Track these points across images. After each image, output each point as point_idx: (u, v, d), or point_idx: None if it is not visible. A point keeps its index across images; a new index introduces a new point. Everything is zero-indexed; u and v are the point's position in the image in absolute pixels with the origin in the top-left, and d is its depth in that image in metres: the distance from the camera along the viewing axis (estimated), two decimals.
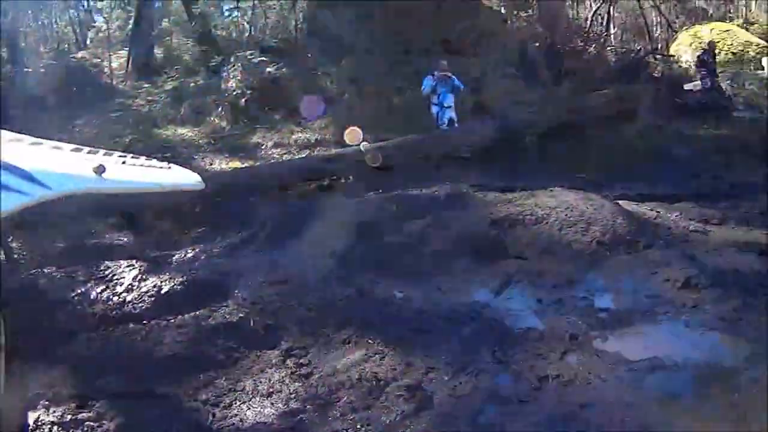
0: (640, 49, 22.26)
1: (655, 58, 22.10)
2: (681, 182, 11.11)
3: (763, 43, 25.11)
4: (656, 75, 18.98)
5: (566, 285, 6.88)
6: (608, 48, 23.10)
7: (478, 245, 7.83)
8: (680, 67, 22.30)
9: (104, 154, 3.07)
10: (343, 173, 10.82)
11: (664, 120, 14.21)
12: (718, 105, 16.82)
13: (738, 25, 27.90)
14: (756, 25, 29.26)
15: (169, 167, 3.14)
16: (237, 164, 12.59)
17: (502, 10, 22.90)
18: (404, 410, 4.84)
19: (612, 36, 26.87)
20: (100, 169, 2.71)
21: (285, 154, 13.48)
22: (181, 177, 3.22)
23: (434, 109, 12.83)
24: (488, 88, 15.35)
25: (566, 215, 8.13)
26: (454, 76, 12.66)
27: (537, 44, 18.41)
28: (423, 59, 15.56)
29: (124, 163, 3.05)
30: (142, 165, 3.13)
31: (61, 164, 2.91)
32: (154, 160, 3.15)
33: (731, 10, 32.80)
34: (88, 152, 3.06)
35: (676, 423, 4.48)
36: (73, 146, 3.08)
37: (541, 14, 20.90)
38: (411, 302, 6.57)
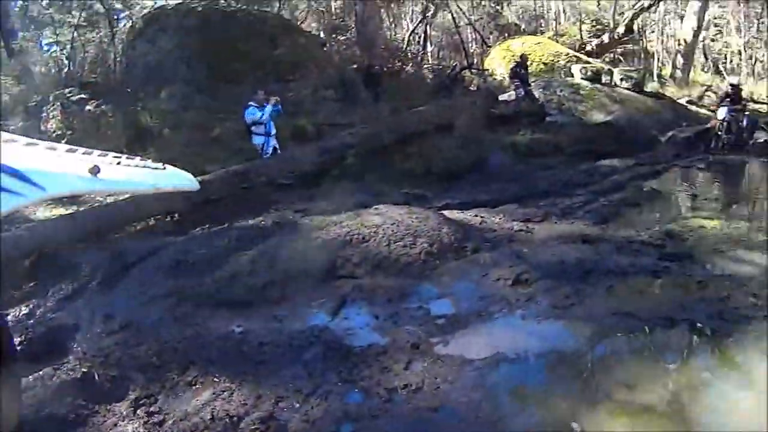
0: (456, 65, 22.91)
1: (471, 73, 22.91)
2: (502, 187, 11.52)
3: (572, 52, 26.73)
4: (472, 88, 19.60)
5: (401, 298, 6.85)
6: (425, 66, 23.70)
7: (309, 270, 7.65)
8: (495, 79, 23.27)
9: (99, 155, 2.89)
10: (169, 211, 10.42)
11: (481, 130, 14.63)
12: (532, 112, 17.62)
13: (548, 38, 29.51)
14: (565, 36, 31.05)
15: (164, 168, 2.99)
16: (61, 211, 11.93)
17: (321, 34, 23.08)
18: None
19: (429, 54, 27.62)
20: (95, 170, 2.54)
21: (109, 195, 12.81)
22: (176, 178, 3.08)
23: (258, 140, 12.49)
24: (308, 113, 15.27)
25: (393, 231, 8.10)
26: (268, 104, 12.43)
27: (355, 66, 18.60)
28: (243, 87, 15.39)
29: (119, 163, 2.87)
30: (136, 165, 2.96)
31: (55, 165, 2.82)
32: (149, 161, 3.00)
33: (542, 24, 34.57)
34: (83, 153, 2.87)
35: (529, 411, 4.60)
36: (67, 147, 2.88)
37: (358, 37, 21.15)
38: (250, 335, 6.31)
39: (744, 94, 22.42)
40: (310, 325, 6.41)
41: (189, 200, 10.27)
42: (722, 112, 16.98)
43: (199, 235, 9.51)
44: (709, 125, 17.48)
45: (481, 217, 9.37)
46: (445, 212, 9.46)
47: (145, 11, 20.25)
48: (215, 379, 5.56)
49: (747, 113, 17.83)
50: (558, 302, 6.30)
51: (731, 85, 18.13)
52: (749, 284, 6.75)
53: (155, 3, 22.17)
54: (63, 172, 2.73)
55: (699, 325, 5.77)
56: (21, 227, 10.43)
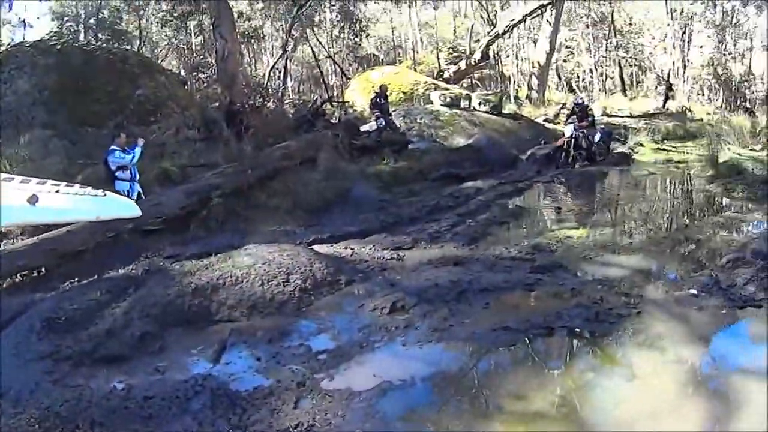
0: (317, 99, 23.10)
1: (332, 105, 23.15)
2: (369, 217, 11.71)
3: (430, 80, 27.44)
4: (333, 121, 19.82)
5: (280, 337, 6.90)
6: (287, 101, 23.79)
7: (184, 317, 7.56)
8: (355, 110, 23.57)
9: (37, 183, 2.77)
10: (34, 265, 10.02)
11: (345, 161, 14.85)
12: (394, 141, 17.97)
13: (407, 67, 30.14)
14: (423, 65, 31.81)
15: (104, 195, 2.89)
16: None
17: (182, 72, 22.83)
18: None
19: (290, 89, 27.72)
20: (33, 199, 2.45)
21: None
22: (117, 205, 3.00)
23: (123, 185, 11.83)
24: (171, 154, 15.03)
25: (265, 270, 8.13)
26: (137, 146, 12.16)
27: (217, 104, 18.52)
28: (104, 130, 15.07)
29: (57, 191, 2.76)
30: (76, 193, 2.85)
31: None
32: (89, 188, 2.87)
33: (400, 54, 35.28)
34: (21, 181, 2.74)
35: None
36: (5, 176, 2.73)
37: (219, 74, 21.05)
38: (134, 390, 6.11)
39: (597, 109, 23.81)
40: (194, 373, 6.34)
41: (54, 253, 9.93)
42: (569, 130, 17.73)
43: (69, 290, 9.04)
44: (557, 143, 18.12)
45: (351, 248, 9.56)
46: (315, 247, 9.58)
47: (1, 48, 19.43)
48: None
49: (601, 127, 19.36)
50: (437, 325, 6.58)
51: (575, 104, 19.16)
52: (620, 285, 7.35)
53: (12, 40, 21.35)
54: (1, 203, 2.68)
55: (577, 330, 6.21)
56: None
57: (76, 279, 9.21)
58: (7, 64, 17.31)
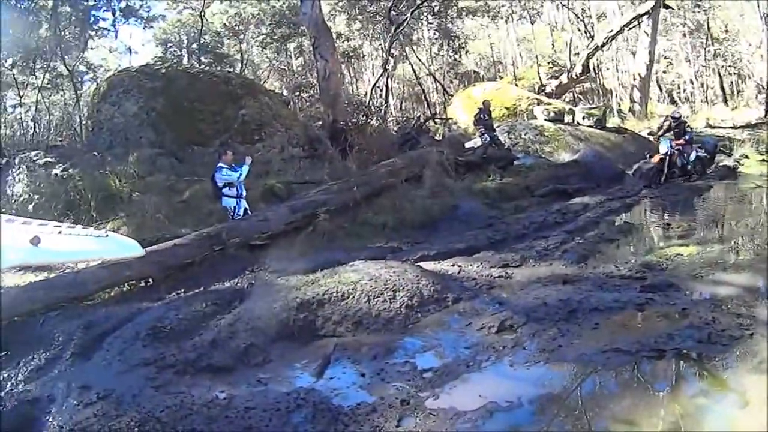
0: (420, 116, 23.09)
1: (435, 122, 23.09)
2: (476, 234, 11.50)
3: (532, 95, 27.08)
4: (437, 138, 19.71)
5: (385, 353, 6.78)
6: (389, 119, 23.86)
7: (289, 331, 7.56)
8: (459, 127, 23.43)
9: (39, 224, 2.77)
10: (141, 276, 10.18)
11: (450, 178, 14.69)
12: (499, 157, 17.71)
13: (508, 82, 29.93)
14: (524, 80, 31.55)
15: (107, 236, 2.86)
16: (31, 278, 11.62)
17: (284, 93, 23.16)
18: None
19: (392, 106, 27.83)
20: (35, 240, 2.41)
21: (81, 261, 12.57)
22: (120, 246, 2.97)
23: (230, 202, 12.26)
24: (276, 172, 15.23)
25: (371, 286, 8.04)
26: (236, 169, 12.28)
27: (320, 123, 18.65)
28: (209, 149, 15.36)
29: (60, 232, 2.75)
30: (78, 234, 2.84)
31: None
32: (91, 229, 2.86)
33: (500, 69, 35.14)
34: (23, 223, 2.74)
35: None
36: (6, 217, 2.74)
37: (321, 94, 21.25)
38: (235, 400, 6.14)
39: (699, 120, 22.94)
40: (296, 387, 6.28)
41: (163, 265, 10.13)
42: (663, 147, 16.92)
43: (175, 300, 9.26)
44: (654, 159, 17.24)
45: (459, 266, 9.39)
46: (422, 264, 9.43)
47: (109, 73, 20.11)
48: None
49: (698, 145, 17.84)
50: (545, 345, 6.33)
51: (673, 117, 18.04)
52: (731, 305, 6.91)
53: (119, 65, 22.10)
54: (2, 245, 2.65)
55: (688, 352, 5.87)
56: None
57: (183, 290, 9.44)
58: (116, 88, 17.99)
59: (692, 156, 17.14)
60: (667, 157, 16.60)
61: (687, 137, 17.30)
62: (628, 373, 5.77)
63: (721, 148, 20.20)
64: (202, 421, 5.76)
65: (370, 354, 6.80)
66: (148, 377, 6.74)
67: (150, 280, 10.09)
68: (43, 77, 19.26)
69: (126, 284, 9.97)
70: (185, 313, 8.44)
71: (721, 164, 18.53)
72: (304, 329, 7.59)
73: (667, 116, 22.24)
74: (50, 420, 6.16)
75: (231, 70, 22.71)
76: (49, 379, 7.10)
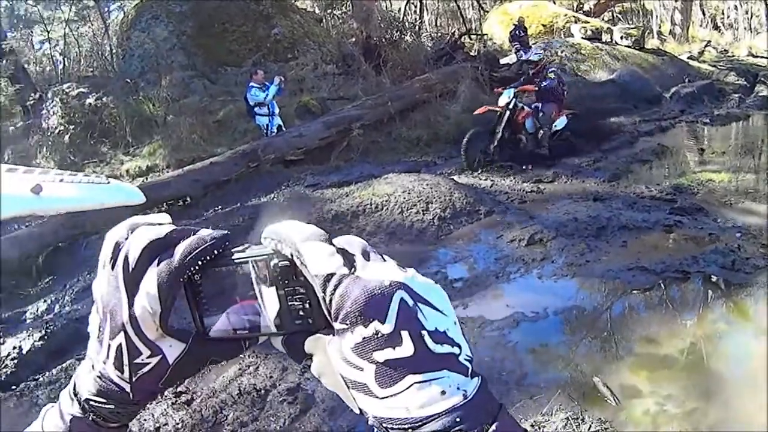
0: (455, 32, 22.74)
1: (470, 38, 22.71)
2: None
3: (570, 12, 26.45)
4: (473, 54, 19.45)
5: (418, 264, 6.83)
6: (424, 35, 23.53)
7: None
8: (494, 43, 23.07)
9: (41, 173, 2.63)
10: (180, 195, 10.37)
11: (485, 94, 14.56)
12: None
13: None
14: None
15: (108, 182, 2.73)
16: None
17: (316, 10, 22.91)
18: (291, 413, 4.78)
19: (426, 22, 27.42)
20: (37, 189, 2.30)
21: None
22: (121, 192, 2.82)
23: (262, 120, 12.51)
24: (310, 89, 15.23)
25: (404, 198, 8.16)
26: (267, 86, 12.36)
27: (354, 40, 18.48)
28: (242, 69, 15.36)
29: (62, 180, 2.61)
30: (80, 182, 2.69)
31: None
32: (93, 176, 2.72)
33: None
34: (24, 172, 2.61)
35: (552, 367, 4.66)
36: (7, 167, 2.60)
37: (354, 10, 21.00)
38: None
39: (742, 49, 22.13)
40: None
41: (200, 183, 10.30)
42: (504, 97, 11.17)
43: (213, 217, 9.46)
44: (479, 111, 11.28)
45: (492, 180, 9.55)
46: (456, 177, 9.55)
47: (136, 1, 20.04)
48: (240, 356, 5.58)
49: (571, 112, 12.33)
50: (573, 260, 6.41)
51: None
52: (759, 235, 6.86)
53: None
54: (4, 194, 2.49)
55: (712, 277, 5.88)
56: (32, 224, 10.42)
57: (220, 207, 9.64)
58: (144, 15, 18.00)
59: (558, 122, 11.63)
60: (506, 114, 10.97)
61: (546, 84, 11.78)
62: (653, 293, 5.82)
63: (762, 78, 19.65)
64: None
65: (403, 264, 6.90)
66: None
67: (188, 198, 10.25)
68: (69, 10, 19.19)
69: (165, 204, 10.13)
70: (223, 229, 8.63)
71: (760, 94, 18.01)
72: None
73: (707, 42, 21.00)
74: None
75: None
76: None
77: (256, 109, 12.43)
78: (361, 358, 0.63)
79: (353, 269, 0.66)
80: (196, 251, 0.76)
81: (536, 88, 11.70)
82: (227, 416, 4.88)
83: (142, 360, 0.78)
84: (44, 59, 20.45)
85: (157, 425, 4.92)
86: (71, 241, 9.26)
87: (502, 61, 18.81)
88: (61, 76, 18.34)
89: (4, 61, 17.92)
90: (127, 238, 0.81)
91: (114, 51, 19.17)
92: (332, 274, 0.65)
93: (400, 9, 25.87)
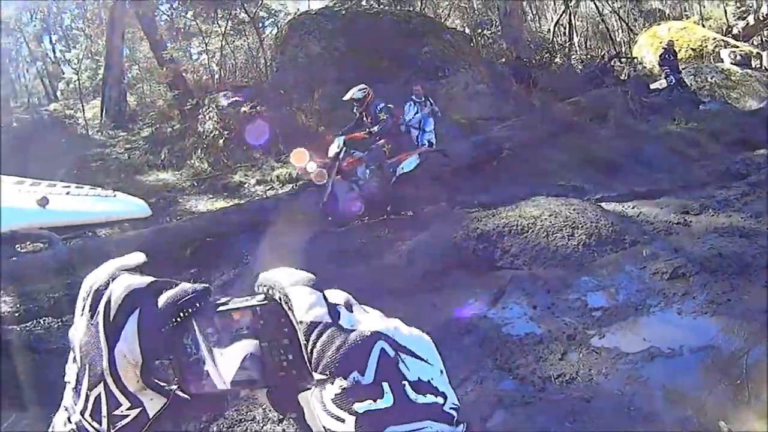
0: (604, 54, 22.55)
1: (620, 62, 22.46)
2: (658, 178, 11.31)
3: (719, 36, 25.62)
4: (622, 78, 19.28)
5: (559, 289, 6.98)
6: (573, 57, 23.42)
7: (468, 260, 7.95)
8: (644, 67, 22.70)
9: (48, 185, 2.90)
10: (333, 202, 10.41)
11: (635, 120, 14.46)
12: (685, 100, 17.13)
13: (694, 22, 28.41)
14: (711, 20, 29.80)
15: (114, 195, 3.01)
16: (222, 204, 12.52)
17: (466, 30, 23.15)
18: None
19: (576, 44, 27.23)
20: (43, 201, 2.56)
21: (269, 190, 13.49)
22: (127, 206, 3.06)
23: (414, 132, 12.63)
24: (460, 108, 15.49)
25: (551, 222, 8.24)
26: (431, 101, 12.65)
27: (504, 60, 18.65)
28: (393, 86, 15.73)
29: (68, 193, 2.87)
30: (87, 195, 2.95)
31: (3, 198, 2.82)
32: (99, 189, 2.99)
33: (686, 8, 33.35)
34: (31, 184, 2.88)
35: (680, 410, 4.64)
36: (16, 179, 2.91)
37: (503, 31, 21.16)
38: (407, 320, 6.51)
39: None
40: (469, 313, 6.69)
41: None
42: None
43: (359, 227, 9.90)
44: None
45: (638, 209, 9.39)
46: (603, 204, 9.50)
47: (290, 17, 20.83)
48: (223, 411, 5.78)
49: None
50: (715, 297, 6.29)
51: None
52: None
53: (298, 10, 22.68)
54: (10, 206, 2.68)
55: None
56: (183, 218, 11.03)
57: (366, 218, 10.01)
58: (297, 31, 18.57)
59: (406, 163, 10.73)
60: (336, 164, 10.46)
61: (377, 127, 10.79)
62: None
63: None
64: None
65: (544, 288, 7.02)
66: None
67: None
68: (226, 24, 20.14)
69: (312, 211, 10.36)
70: (367, 238, 8.98)
71: None
72: (482, 260, 7.94)
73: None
74: None
75: (411, 9, 22.78)
76: (238, 293, 7.80)
77: (409, 124, 12.62)
78: (341, 409, 0.65)
79: (337, 318, 0.70)
80: (179, 302, 0.78)
81: (366, 136, 10.76)
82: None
83: (122, 412, 0.77)
84: (201, 69, 21.44)
85: (281, 417, 5.12)
86: (218, 237, 9.83)
87: (652, 86, 18.56)
88: (217, 85, 19.25)
89: (164, 69, 19.05)
90: (107, 285, 0.80)
91: (268, 64, 19.95)
92: (316, 323, 0.69)
93: (549, 30, 25.81)
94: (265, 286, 0.79)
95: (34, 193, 2.63)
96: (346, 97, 11.27)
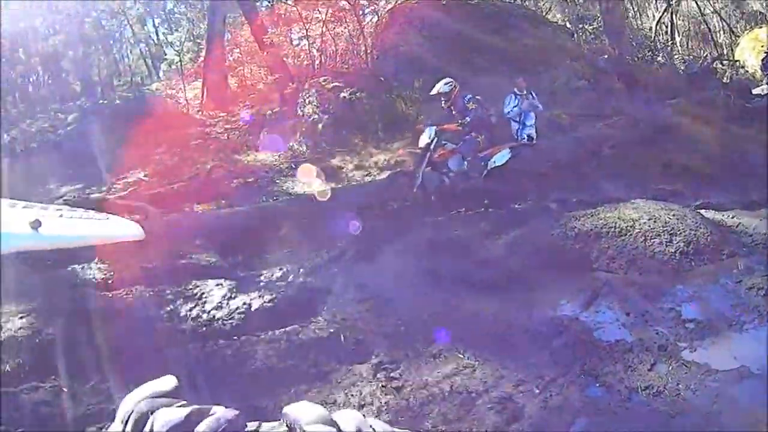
0: (707, 56, 22.07)
1: (722, 64, 21.94)
2: (760, 188, 10.97)
3: None
4: (724, 81, 18.85)
5: (653, 297, 6.97)
6: (675, 56, 22.98)
7: (563, 259, 7.98)
8: (746, 71, 22.13)
9: (41, 208, 2.97)
10: (422, 192, 10.70)
11: (737, 126, 14.16)
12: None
13: None
14: None
15: (107, 218, 3.04)
16: (321, 187, 12.68)
17: (568, 25, 22.94)
18: (495, 422, 5.00)
19: (678, 43, 26.68)
20: (35, 224, 2.64)
21: (366, 175, 13.61)
22: (120, 228, 3.12)
23: (512, 125, 12.67)
24: (561, 103, 15.43)
25: (649, 226, 8.17)
26: (533, 94, 12.64)
27: (606, 56, 18.44)
28: (491, 78, 15.73)
29: (61, 216, 2.95)
30: (80, 217, 3.03)
31: None
32: (92, 212, 3.04)
33: None
34: (24, 207, 2.96)
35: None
36: (9, 201, 2.96)
37: (605, 26, 20.90)
38: (500, 316, 6.68)
39: None
40: (561, 314, 6.78)
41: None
42: (425, 137, 11.22)
43: (453, 219, 9.93)
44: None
45: (739, 220, 9.16)
46: (703, 211, 9.33)
47: (390, 5, 20.96)
48: (459, 355, 6.02)
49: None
50: None
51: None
52: None
53: None
54: (3, 229, 2.75)
55: None
56: (279, 199, 11.26)
57: (464, 209, 10.05)
58: (398, 19, 18.65)
59: (497, 157, 11.08)
60: (427, 154, 10.87)
61: (468, 118, 11.08)
62: None
63: None
64: (464, 330, 6.38)
65: (639, 295, 7.04)
66: (421, 285, 7.45)
67: (432, 196, 10.69)
68: (327, 11, 20.37)
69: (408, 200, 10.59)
70: (462, 231, 9.08)
71: None
72: (577, 260, 7.95)
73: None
74: (326, 309, 7.08)
75: (513, 1, 22.68)
76: (329, 276, 8.00)
77: (509, 116, 12.65)
78: None
79: None
80: None
81: (458, 126, 11.04)
82: (432, 410, 5.23)
83: None
84: (302, 54, 21.73)
85: (363, 403, 5.40)
86: (313, 218, 9.93)
87: (754, 91, 18.11)
88: (317, 70, 19.50)
89: (265, 53, 19.41)
90: (147, 415, 0.86)
91: (369, 51, 20.13)
92: None
93: (650, 28, 25.36)
94: (288, 419, 0.88)
95: (27, 215, 2.70)
96: (433, 91, 11.62)
